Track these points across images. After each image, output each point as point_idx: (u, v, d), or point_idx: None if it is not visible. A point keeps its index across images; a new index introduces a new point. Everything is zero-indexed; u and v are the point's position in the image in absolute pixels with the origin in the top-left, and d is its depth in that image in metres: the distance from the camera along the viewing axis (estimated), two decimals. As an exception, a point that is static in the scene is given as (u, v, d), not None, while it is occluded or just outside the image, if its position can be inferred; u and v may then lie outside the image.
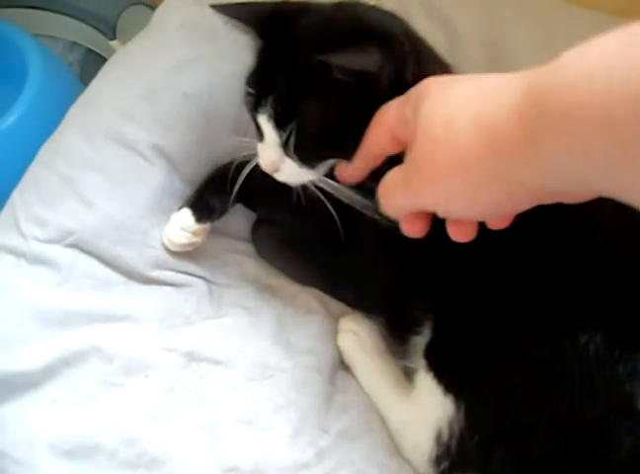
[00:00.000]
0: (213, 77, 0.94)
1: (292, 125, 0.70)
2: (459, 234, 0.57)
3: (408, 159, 0.55)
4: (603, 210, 0.68)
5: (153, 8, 1.13)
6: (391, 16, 0.77)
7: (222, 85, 0.93)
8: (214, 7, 0.75)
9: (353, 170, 0.71)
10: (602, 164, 0.37)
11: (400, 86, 0.66)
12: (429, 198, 0.54)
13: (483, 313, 0.72)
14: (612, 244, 0.69)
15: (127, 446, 0.74)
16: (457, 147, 0.48)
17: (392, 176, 0.58)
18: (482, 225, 0.64)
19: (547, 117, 0.39)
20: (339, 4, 0.76)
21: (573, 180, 0.41)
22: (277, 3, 0.76)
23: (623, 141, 0.34)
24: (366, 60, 0.65)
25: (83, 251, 0.84)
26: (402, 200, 0.57)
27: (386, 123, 0.63)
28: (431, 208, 0.55)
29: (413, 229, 0.60)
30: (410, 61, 0.70)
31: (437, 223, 0.76)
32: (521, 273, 0.72)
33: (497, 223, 0.57)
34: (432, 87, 0.54)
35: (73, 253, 0.84)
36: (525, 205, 0.49)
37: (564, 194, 0.46)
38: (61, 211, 0.85)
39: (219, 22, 0.76)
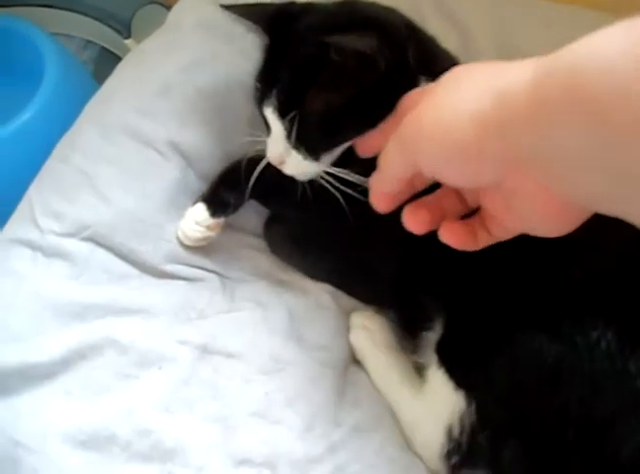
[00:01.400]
0: (228, 75, 0.95)
1: (295, 115, 0.72)
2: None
3: (409, 116, 0.53)
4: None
5: (168, 7, 1.14)
6: (391, 10, 0.80)
7: (237, 82, 0.93)
8: (224, 7, 0.79)
9: (377, 141, 0.70)
10: (611, 146, 0.35)
11: (402, 70, 0.71)
12: (423, 158, 0.51)
13: (494, 308, 0.73)
14: (622, 241, 0.69)
15: (142, 437, 0.75)
16: (463, 104, 0.47)
17: (390, 142, 0.56)
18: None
19: (553, 93, 0.38)
20: (341, 2, 0.79)
21: (569, 158, 0.39)
22: (283, 3, 0.80)
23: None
24: (363, 42, 0.67)
25: (99, 244, 0.85)
26: (398, 163, 0.55)
27: (413, 98, 0.65)
28: (424, 168, 0.52)
29: (415, 220, 0.58)
30: (410, 47, 0.72)
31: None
32: (533, 268, 0.72)
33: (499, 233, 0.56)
34: (458, 68, 0.54)
35: (89, 246, 0.84)
36: (493, 173, 0.47)
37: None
38: (78, 205, 0.86)
39: (234, 21, 0.79)
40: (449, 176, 0.51)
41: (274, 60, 0.76)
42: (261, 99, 0.76)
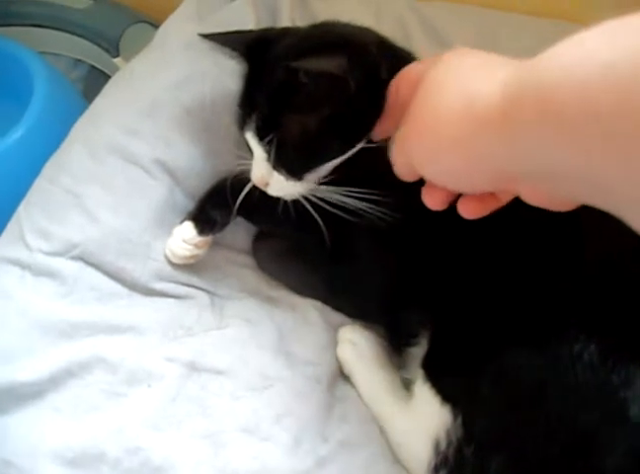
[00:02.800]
0: (215, 93, 0.96)
1: (273, 138, 0.74)
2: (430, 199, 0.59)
3: (405, 118, 0.57)
4: (598, 221, 0.70)
5: (156, 26, 1.14)
6: (364, 29, 0.81)
7: (224, 101, 0.94)
8: (202, 35, 0.82)
9: (386, 125, 0.73)
10: (581, 158, 0.36)
11: (376, 89, 0.71)
12: (413, 154, 0.55)
13: (479, 323, 0.73)
14: (607, 254, 0.71)
15: (130, 455, 0.75)
16: (436, 109, 0.50)
17: (400, 130, 0.59)
18: (477, 235, 0.66)
19: (525, 99, 0.39)
20: (315, 24, 0.82)
21: (544, 171, 0.41)
22: (260, 30, 0.82)
23: (601, 134, 0.34)
24: (330, 64, 0.69)
25: (87, 263, 0.86)
26: (401, 157, 0.59)
27: (407, 75, 0.67)
28: (416, 167, 0.55)
29: (432, 200, 0.59)
30: (383, 65, 0.73)
31: (431, 235, 0.78)
32: (516, 283, 0.73)
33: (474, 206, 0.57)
34: (448, 55, 0.56)
35: (77, 265, 0.85)
36: (486, 185, 0.50)
37: (531, 178, 0.46)
38: (66, 224, 0.86)
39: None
40: (445, 181, 0.53)
41: (252, 86, 0.78)
42: (242, 123, 0.78)
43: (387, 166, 0.69)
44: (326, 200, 0.78)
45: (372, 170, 0.77)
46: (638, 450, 0.63)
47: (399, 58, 0.76)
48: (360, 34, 0.80)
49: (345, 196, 0.77)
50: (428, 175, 0.55)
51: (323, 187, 0.78)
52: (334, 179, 0.78)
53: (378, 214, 0.77)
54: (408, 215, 0.77)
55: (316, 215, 0.79)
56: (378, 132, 0.74)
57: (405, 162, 0.58)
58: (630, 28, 0.34)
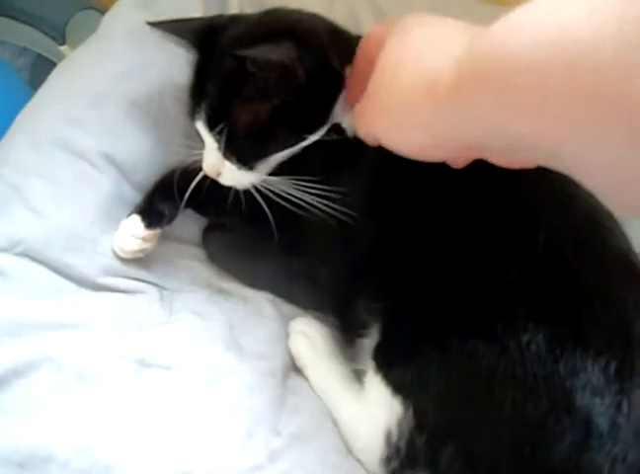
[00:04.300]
0: (162, 84, 0.95)
1: (223, 128, 0.74)
2: None
3: (367, 91, 0.60)
4: (550, 210, 0.71)
5: (103, 13, 1.12)
6: (313, 16, 0.81)
7: (172, 92, 0.93)
8: (150, 23, 0.81)
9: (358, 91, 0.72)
10: (530, 120, 0.39)
11: (327, 76, 0.73)
12: (374, 130, 0.59)
13: (428, 314, 0.74)
14: (555, 245, 0.71)
15: (80, 455, 0.73)
16: (398, 89, 0.53)
17: (360, 104, 0.63)
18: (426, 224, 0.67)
19: (478, 72, 0.42)
20: (265, 11, 0.82)
21: (501, 135, 0.43)
22: (210, 17, 0.81)
23: (546, 94, 0.36)
24: (277, 52, 0.69)
25: (33, 259, 0.84)
26: (361, 129, 0.63)
27: (373, 36, 0.67)
28: (380, 140, 0.58)
29: None
30: (333, 52, 0.73)
31: (380, 225, 0.78)
32: (467, 272, 0.73)
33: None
34: (403, 25, 0.59)
35: (23, 261, 0.83)
36: (450, 155, 0.55)
37: (493, 150, 0.51)
38: (9, 220, 0.84)
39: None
40: (410, 152, 0.56)
41: (202, 75, 0.78)
42: (192, 112, 0.78)
43: (340, 161, 0.70)
44: (276, 193, 0.78)
45: (325, 164, 0.77)
46: (584, 439, 0.64)
47: (352, 47, 0.75)
48: (310, 21, 0.79)
49: (295, 189, 0.77)
50: (393, 147, 0.57)
51: (274, 178, 0.78)
52: (286, 171, 0.78)
53: (327, 209, 0.77)
54: (357, 210, 0.78)
55: (266, 207, 0.79)
56: (351, 99, 0.74)
57: (368, 133, 0.61)
58: None
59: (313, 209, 0.78)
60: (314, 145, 0.77)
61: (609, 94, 0.33)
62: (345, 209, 0.77)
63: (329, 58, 0.74)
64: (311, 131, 0.76)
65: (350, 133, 0.78)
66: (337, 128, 0.79)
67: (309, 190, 0.77)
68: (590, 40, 0.33)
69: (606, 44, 0.32)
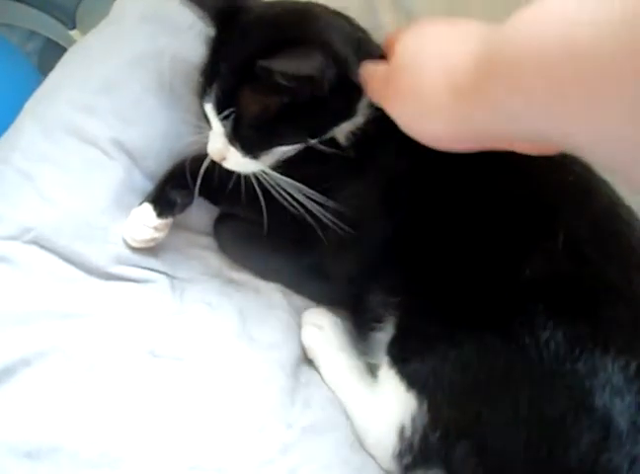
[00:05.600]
0: (175, 70, 0.93)
1: (232, 113, 0.73)
2: None
3: (388, 72, 0.62)
4: (569, 205, 0.70)
5: (113, -3, 1.10)
6: (337, 16, 0.80)
7: (183, 78, 0.92)
8: None
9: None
10: (542, 108, 0.40)
11: (345, 86, 0.72)
12: (392, 112, 0.60)
13: (445, 309, 0.73)
14: (575, 240, 0.70)
15: (89, 445, 0.73)
16: (419, 77, 0.55)
17: (379, 71, 0.64)
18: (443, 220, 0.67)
19: (494, 65, 0.43)
20: (291, 4, 0.80)
21: (519, 125, 0.44)
22: None
23: (558, 84, 0.37)
24: (308, 66, 0.69)
25: (43, 247, 0.82)
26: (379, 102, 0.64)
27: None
28: (400, 127, 0.59)
29: None
30: (356, 65, 0.71)
31: (398, 222, 0.77)
32: (485, 268, 0.72)
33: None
34: (423, 22, 0.61)
35: (33, 249, 0.82)
36: (467, 145, 0.55)
37: (512, 139, 0.55)
38: (20, 207, 0.83)
39: (180, 14, 0.78)
40: (429, 140, 0.57)
41: (217, 54, 0.77)
42: (202, 92, 0.77)
43: (342, 177, 0.70)
44: (283, 189, 0.78)
45: (325, 175, 0.78)
46: (603, 439, 0.63)
47: (374, 57, 0.74)
48: (338, 26, 0.77)
49: (297, 191, 0.77)
50: (412, 135, 0.58)
51: (277, 175, 0.78)
52: (291, 170, 0.78)
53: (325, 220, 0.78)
54: (372, 210, 0.80)
55: (279, 198, 0.78)
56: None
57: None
58: None
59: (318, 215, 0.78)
60: (319, 154, 0.78)
61: (621, 84, 0.33)
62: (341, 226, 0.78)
63: (351, 72, 0.72)
64: (315, 136, 0.77)
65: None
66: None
67: (309, 197, 0.77)
68: (603, 34, 0.33)
69: (619, 38, 0.32)
